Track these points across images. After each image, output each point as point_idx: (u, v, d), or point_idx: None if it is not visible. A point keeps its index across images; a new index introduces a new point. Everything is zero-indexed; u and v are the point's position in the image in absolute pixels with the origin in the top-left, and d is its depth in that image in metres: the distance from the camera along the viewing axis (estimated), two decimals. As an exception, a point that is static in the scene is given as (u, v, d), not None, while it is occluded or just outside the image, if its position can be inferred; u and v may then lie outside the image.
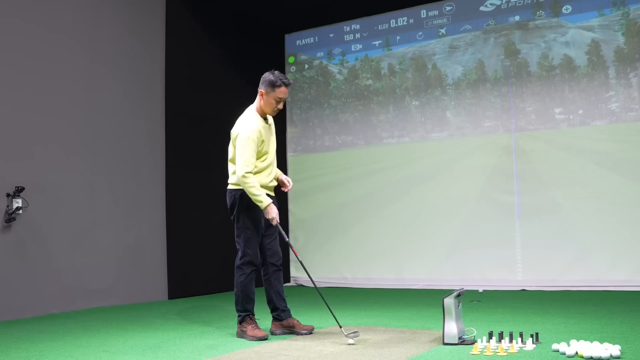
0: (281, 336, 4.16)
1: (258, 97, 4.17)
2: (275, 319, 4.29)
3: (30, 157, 5.66)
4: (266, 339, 3.98)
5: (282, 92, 4.09)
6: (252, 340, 3.98)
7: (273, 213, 4.03)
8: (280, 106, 4.16)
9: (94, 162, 6.25)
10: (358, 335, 3.82)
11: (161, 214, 6.91)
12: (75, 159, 6.06)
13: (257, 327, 4.09)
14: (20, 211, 5.43)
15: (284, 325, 4.24)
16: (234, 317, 4.42)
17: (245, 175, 3.97)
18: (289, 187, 4.37)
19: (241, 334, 4.12)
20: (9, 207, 5.39)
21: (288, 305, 4.32)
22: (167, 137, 7.03)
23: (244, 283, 4.12)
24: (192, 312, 5.62)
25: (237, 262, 4.17)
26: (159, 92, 7.01)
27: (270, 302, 4.27)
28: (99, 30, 6.39)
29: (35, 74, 5.75)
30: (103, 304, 6.11)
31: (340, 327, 3.91)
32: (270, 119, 4.29)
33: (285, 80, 4.12)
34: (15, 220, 5.43)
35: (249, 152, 4.00)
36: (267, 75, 4.14)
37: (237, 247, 4.19)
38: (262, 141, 4.11)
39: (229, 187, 4.24)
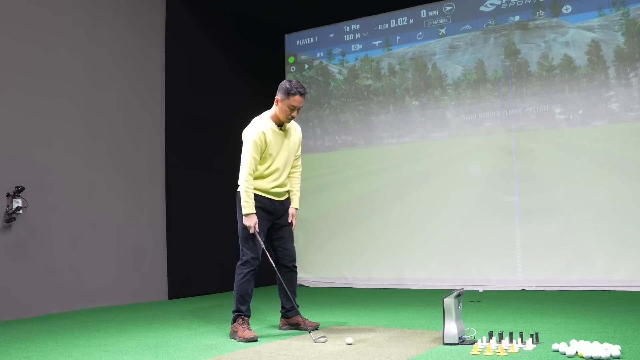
0: (282, 336, 4.16)
1: (274, 104, 4.22)
2: (282, 316, 4.46)
3: (30, 157, 5.66)
4: (255, 340, 3.95)
5: (296, 100, 4.14)
6: (241, 341, 3.96)
7: (250, 222, 4.07)
8: (295, 114, 4.21)
9: (94, 162, 6.25)
10: (326, 340, 3.84)
11: (161, 214, 6.92)
12: (75, 159, 6.06)
13: (248, 328, 4.07)
14: (20, 211, 5.43)
15: (290, 322, 4.41)
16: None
17: (246, 178, 4.08)
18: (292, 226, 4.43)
19: (232, 334, 4.12)
20: (9, 207, 5.39)
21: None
22: (167, 137, 7.03)
23: (240, 283, 4.16)
24: (192, 312, 5.62)
25: (238, 262, 4.23)
26: (159, 92, 7.01)
27: (280, 301, 4.44)
28: (99, 30, 6.39)
29: (35, 75, 5.75)
30: (103, 304, 6.11)
31: (310, 332, 3.97)
32: (292, 126, 4.34)
33: (301, 90, 4.17)
34: (15, 220, 5.43)
35: (250, 154, 4.09)
36: (284, 83, 4.20)
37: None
38: (266, 145, 4.14)
39: (238, 188, 4.30)
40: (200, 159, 7.33)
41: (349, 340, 3.75)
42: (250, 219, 4.08)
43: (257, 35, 8.38)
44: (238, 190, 4.28)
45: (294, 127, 4.38)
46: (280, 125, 4.24)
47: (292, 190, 4.46)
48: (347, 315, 5.11)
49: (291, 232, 4.41)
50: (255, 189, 4.17)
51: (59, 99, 5.95)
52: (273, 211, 4.23)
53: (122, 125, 6.58)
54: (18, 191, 5.42)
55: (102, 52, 6.41)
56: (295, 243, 8.13)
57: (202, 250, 7.23)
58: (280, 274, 4.36)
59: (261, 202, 4.18)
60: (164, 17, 7.13)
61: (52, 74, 5.90)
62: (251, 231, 4.09)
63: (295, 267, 4.43)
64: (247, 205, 4.07)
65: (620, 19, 6.65)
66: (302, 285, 8.07)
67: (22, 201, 5.45)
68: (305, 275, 8.21)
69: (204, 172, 7.33)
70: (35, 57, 5.75)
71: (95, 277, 6.11)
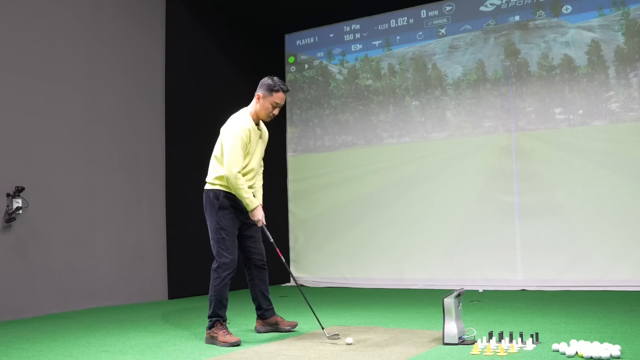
0: (282, 337, 4.16)
1: (254, 101, 4.13)
2: (259, 317, 4.36)
3: (31, 157, 5.66)
4: (239, 345, 3.85)
5: (279, 97, 4.07)
6: (224, 346, 3.84)
7: (259, 215, 4.04)
8: (276, 112, 4.13)
9: (94, 162, 6.24)
10: (339, 337, 3.82)
11: (161, 214, 6.91)
12: (75, 159, 6.06)
13: (229, 333, 3.96)
14: (20, 211, 5.43)
15: (268, 323, 4.32)
16: (234, 318, 4.41)
17: (236, 175, 3.95)
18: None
19: (211, 340, 3.96)
20: (9, 207, 5.39)
21: (286, 305, 4.39)
22: (167, 137, 7.03)
23: (218, 287, 4.04)
24: (192, 312, 5.62)
25: (213, 265, 4.09)
26: (159, 92, 7.01)
27: (254, 302, 4.34)
28: (99, 29, 6.39)
29: (34, 74, 5.75)
30: (103, 304, 6.11)
31: (323, 328, 3.91)
32: (263, 127, 4.24)
33: (284, 87, 4.09)
34: (15, 220, 5.43)
35: (238, 151, 3.98)
36: (266, 80, 4.12)
37: (212, 250, 4.12)
38: (250, 142, 4.06)
39: (206, 186, 4.19)
40: (200, 159, 7.30)
41: (349, 340, 3.75)
42: (258, 212, 4.02)
43: (257, 35, 8.38)
44: (205, 188, 4.17)
45: (264, 127, 4.28)
46: (257, 124, 4.17)
47: (256, 188, 4.30)
48: (347, 315, 5.11)
49: (259, 231, 4.29)
50: (228, 187, 4.06)
51: (58, 98, 5.95)
52: (244, 210, 4.11)
53: (122, 125, 6.57)
54: (18, 191, 5.42)
55: (102, 51, 6.41)
56: (295, 243, 8.09)
57: (202, 250, 7.18)
58: (252, 273, 4.30)
59: (234, 201, 4.09)
60: (164, 17, 7.13)
61: (52, 74, 5.90)
62: (259, 225, 4.07)
63: (265, 264, 4.33)
64: (250, 201, 3.99)
65: (620, 19, 6.65)
66: (302, 285, 8.06)
67: (22, 201, 5.45)
68: (305, 275, 8.21)
69: (204, 172, 7.30)
70: (34, 56, 5.75)
71: (95, 277, 6.11)
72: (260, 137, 4.21)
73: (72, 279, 5.89)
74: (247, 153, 4.08)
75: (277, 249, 4.18)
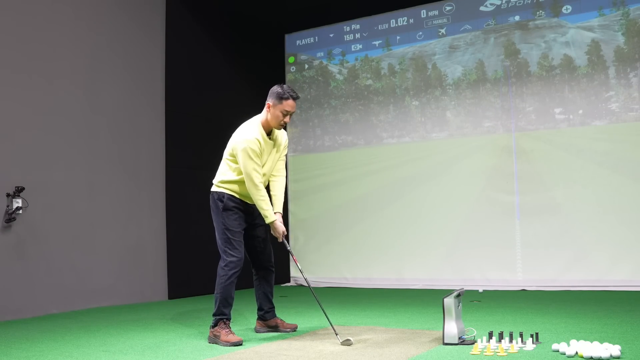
0: (282, 337, 4.16)
1: (265, 110, 4.10)
2: (260, 318, 4.37)
3: (31, 157, 5.66)
4: (241, 344, 3.85)
5: (289, 105, 4.03)
6: (226, 345, 3.84)
7: (279, 230, 4.08)
8: (287, 119, 4.09)
9: (94, 162, 6.25)
10: (351, 343, 3.74)
11: (161, 214, 6.91)
12: (75, 159, 6.06)
13: (231, 332, 3.96)
14: (20, 211, 5.43)
15: (268, 324, 4.35)
16: (235, 317, 4.41)
17: (256, 185, 3.97)
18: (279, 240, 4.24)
19: (213, 339, 3.97)
20: (9, 207, 5.39)
21: (286, 305, 4.41)
22: (167, 137, 7.03)
23: (224, 285, 4.03)
24: (192, 312, 5.62)
25: (220, 263, 4.11)
26: (159, 92, 7.01)
27: (257, 302, 4.37)
28: (99, 29, 6.39)
29: (34, 74, 5.75)
30: (103, 304, 6.11)
31: (337, 334, 3.85)
32: (279, 134, 4.22)
33: (293, 94, 4.07)
34: (15, 220, 5.43)
35: (253, 163, 3.97)
36: (275, 88, 4.09)
37: (219, 249, 4.14)
38: (261, 151, 4.04)
39: (212, 188, 4.22)
40: (200, 159, 7.32)
41: (349, 340, 3.74)
42: (277, 227, 4.07)
43: (258, 35, 8.38)
44: (211, 190, 4.22)
45: (280, 134, 4.25)
46: (269, 133, 4.13)
47: (275, 195, 4.27)
48: (347, 315, 5.11)
49: (267, 232, 4.29)
50: (233, 190, 4.10)
51: (59, 98, 5.95)
52: (250, 212, 4.14)
53: (122, 125, 6.57)
54: (18, 191, 5.42)
55: (103, 51, 6.41)
56: (295, 243, 8.08)
57: (202, 250, 7.22)
58: (258, 274, 4.32)
59: (238, 203, 4.12)
60: (164, 17, 7.13)
61: (52, 73, 5.90)
62: (279, 240, 4.12)
63: (273, 266, 4.36)
64: (269, 213, 4.02)
65: (620, 19, 6.65)
66: (301, 286, 8.06)
67: (22, 201, 5.45)
68: (305, 275, 8.21)
69: (204, 172, 7.30)
70: (35, 56, 5.75)
71: (95, 277, 6.11)
72: (274, 145, 4.18)
73: (72, 279, 5.89)
74: None
75: (294, 257, 4.24)
